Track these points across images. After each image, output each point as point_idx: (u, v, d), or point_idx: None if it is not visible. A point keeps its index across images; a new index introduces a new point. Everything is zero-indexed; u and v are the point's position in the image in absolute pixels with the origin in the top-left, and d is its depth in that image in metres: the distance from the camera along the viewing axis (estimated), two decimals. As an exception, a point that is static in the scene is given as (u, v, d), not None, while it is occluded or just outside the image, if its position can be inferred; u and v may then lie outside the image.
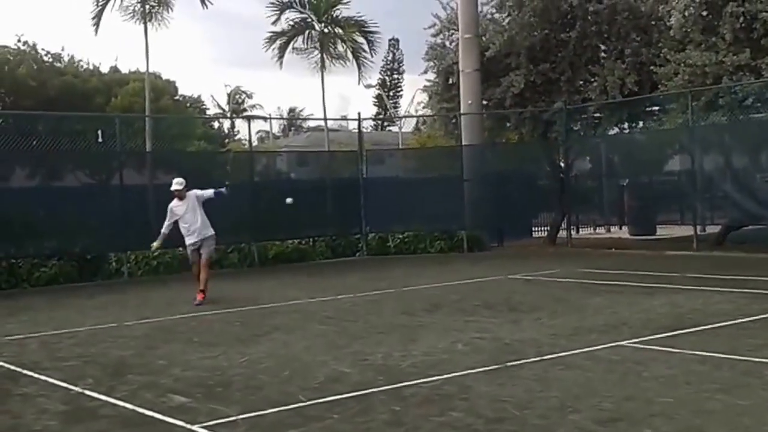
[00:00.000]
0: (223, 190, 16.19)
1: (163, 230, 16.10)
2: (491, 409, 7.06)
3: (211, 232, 16.03)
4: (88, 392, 8.45)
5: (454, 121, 27.87)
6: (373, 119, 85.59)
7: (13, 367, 9.96)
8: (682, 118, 22.31)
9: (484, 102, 26.79)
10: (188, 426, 7.02)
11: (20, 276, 19.60)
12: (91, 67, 40.91)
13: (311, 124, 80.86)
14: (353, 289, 16.65)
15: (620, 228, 30.22)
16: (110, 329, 12.79)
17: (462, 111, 26.28)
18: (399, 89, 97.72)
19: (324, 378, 8.51)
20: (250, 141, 24.75)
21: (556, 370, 8.42)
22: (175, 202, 15.97)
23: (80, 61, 40.85)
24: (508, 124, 28.18)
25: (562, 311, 12.39)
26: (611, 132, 26.15)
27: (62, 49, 44.89)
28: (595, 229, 31.23)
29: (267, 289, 17.72)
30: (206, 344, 10.97)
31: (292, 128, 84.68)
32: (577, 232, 28.95)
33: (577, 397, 7.35)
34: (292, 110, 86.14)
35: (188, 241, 16.04)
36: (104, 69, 41.84)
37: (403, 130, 59.59)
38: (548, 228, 28.32)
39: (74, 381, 8.95)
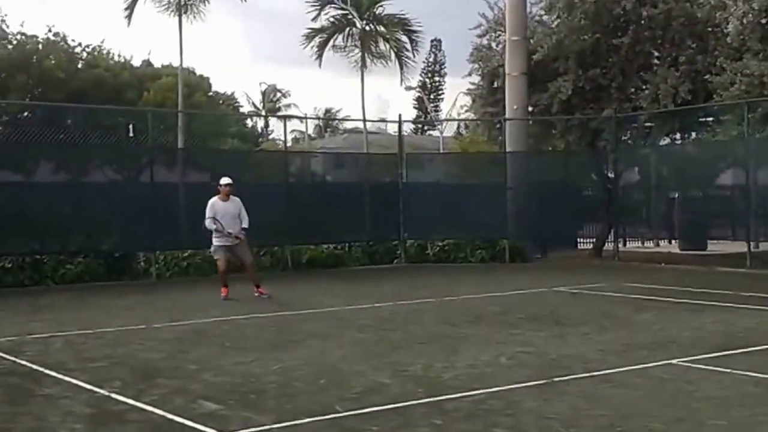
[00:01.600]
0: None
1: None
2: (537, 426, 6.95)
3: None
4: (114, 395, 8.41)
5: (498, 126, 27.79)
6: (414, 122, 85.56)
7: (36, 367, 9.96)
8: (737, 130, 22.10)
9: (530, 107, 26.68)
10: (220, 434, 6.98)
11: (45, 273, 19.77)
12: (122, 60, 41.06)
13: (348, 126, 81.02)
14: (392, 297, 16.59)
15: (669, 242, 30.00)
16: (138, 331, 12.79)
17: (507, 116, 26.16)
18: (440, 92, 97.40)
19: (361, 388, 8.44)
20: (285, 141, 24.80)
21: (605, 388, 8.30)
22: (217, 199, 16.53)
23: (112, 53, 41.02)
24: (554, 131, 28.05)
25: (610, 326, 12.27)
26: (662, 142, 25.93)
27: (102, 42, 44.95)
28: (643, 243, 31.04)
29: (301, 294, 17.72)
30: (239, 349, 10.93)
31: (329, 129, 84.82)
32: (624, 245, 28.77)
33: (626, 416, 7.23)
34: (328, 111, 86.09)
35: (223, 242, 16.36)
36: (136, 62, 41.97)
37: (444, 134, 59.46)
38: (594, 240, 28.15)
39: (100, 383, 8.92)
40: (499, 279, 20.27)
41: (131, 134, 22.01)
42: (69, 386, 8.93)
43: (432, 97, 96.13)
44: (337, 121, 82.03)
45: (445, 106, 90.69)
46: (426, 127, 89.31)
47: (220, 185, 16.73)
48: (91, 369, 9.84)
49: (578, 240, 29.59)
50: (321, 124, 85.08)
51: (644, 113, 24.91)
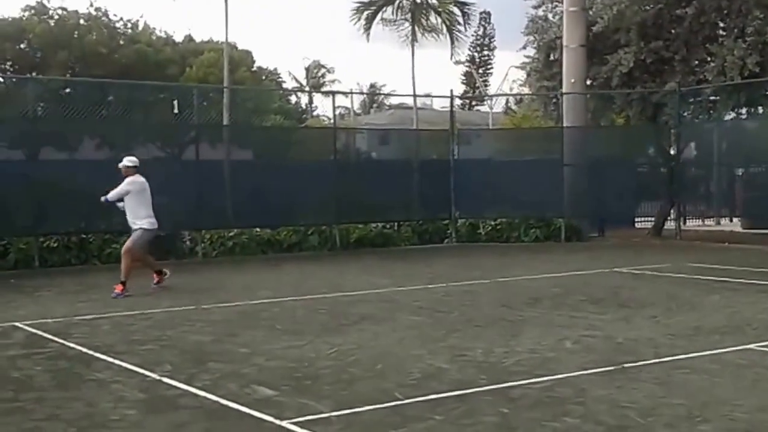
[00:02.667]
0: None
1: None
2: (611, 415, 6.78)
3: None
4: (166, 380, 8.36)
5: (555, 100, 27.49)
6: (467, 98, 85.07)
7: (85, 350, 9.94)
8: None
9: (588, 81, 26.32)
10: (276, 422, 6.86)
11: (90, 252, 19.84)
12: (164, 36, 41.17)
13: (393, 101, 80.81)
14: (444, 278, 16.45)
15: (730, 221, 29.58)
16: (187, 312, 12.75)
17: (564, 90, 25.86)
18: (489, 66, 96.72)
19: (420, 374, 8.31)
20: (334, 117, 24.58)
21: (679, 374, 8.11)
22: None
23: (154, 29, 41.15)
24: (613, 106, 27.62)
25: (677, 309, 12.04)
26: (728, 117, 25.42)
27: (140, 17, 45.12)
28: (703, 221, 30.62)
29: (351, 274, 17.62)
30: (290, 332, 10.84)
31: (374, 105, 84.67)
32: (684, 223, 28.33)
33: (704, 404, 7.06)
34: (372, 86, 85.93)
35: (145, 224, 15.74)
36: (178, 38, 42.09)
37: (493, 110, 59.12)
38: (653, 218, 27.81)
39: (151, 367, 8.88)
40: (555, 259, 20.06)
41: (176, 110, 21.97)
42: (120, 370, 8.89)
43: (481, 71, 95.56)
44: (383, 97, 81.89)
45: (494, 81, 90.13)
46: (474, 103, 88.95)
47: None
48: (140, 352, 9.80)
49: (636, 219, 29.22)
50: (367, 99, 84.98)
51: (710, 86, 24.41)
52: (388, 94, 78.20)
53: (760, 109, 25.10)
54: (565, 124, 25.66)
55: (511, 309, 12.38)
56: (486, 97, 70.66)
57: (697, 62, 24.85)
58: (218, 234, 21.70)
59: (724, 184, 27.04)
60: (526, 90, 30.81)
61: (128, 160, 15.66)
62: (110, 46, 36.71)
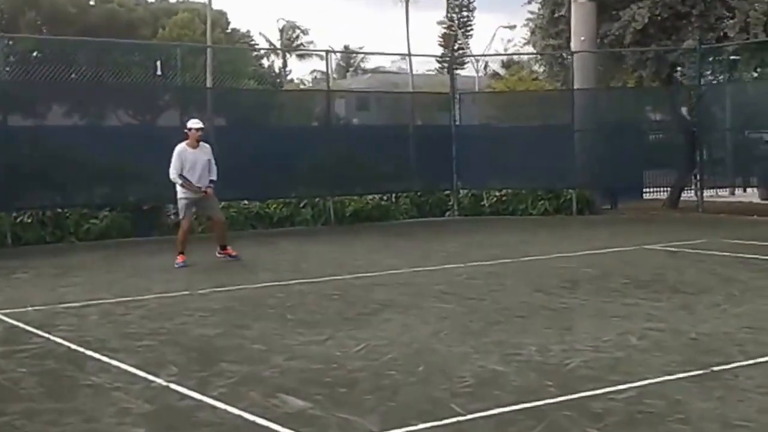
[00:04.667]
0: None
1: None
2: (727, 437, 5.87)
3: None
4: (174, 386, 7.38)
5: (561, 61, 26.50)
6: (479, 55, 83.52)
7: (74, 347, 8.94)
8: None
9: (598, 39, 25.29)
10: (319, 445, 5.92)
11: (67, 228, 18.87)
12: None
13: (369, 66, 79.70)
14: (460, 257, 15.54)
15: (744, 191, 28.82)
16: (183, 298, 11.82)
17: (573, 48, 24.86)
18: (469, 28, 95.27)
19: (473, 378, 7.36)
20: (328, 79, 23.49)
21: (785, 381, 7.16)
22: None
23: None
24: (624, 66, 26.59)
25: (740, 295, 11.04)
26: (751, 77, 24.35)
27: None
28: (716, 192, 29.75)
29: (355, 253, 16.67)
30: (305, 324, 9.88)
31: (350, 69, 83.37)
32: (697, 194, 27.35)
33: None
34: (346, 48, 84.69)
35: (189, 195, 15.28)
36: (150, -2, 41.26)
37: (479, 74, 58.05)
38: (664, 188, 26.95)
39: (154, 369, 7.91)
40: (574, 235, 19.21)
41: (159, 72, 20.89)
42: (118, 373, 7.90)
43: (460, 33, 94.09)
44: (360, 60, 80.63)
45: (475, 44, 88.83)
46: (455, 66, 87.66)
47: (190, 129, 15.32)
48: (139, 349, 8.82)
49: (644, 189, 28.36)
50: (343, 63, 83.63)
51: (732, 44, 23.42)
52: (384, 53, 76.94)
53: None
54: (575, 86, 24.62)
55: (549, 295, 11.44)
56: (482, 57, 69.16)
57: (716, 18, 23.76)
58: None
59: (747, 151, 26.11)
60: (530, 49, 29.59)
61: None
62: (80, 6, 35.71)
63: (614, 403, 6.59)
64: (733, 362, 7.63)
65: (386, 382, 7.34)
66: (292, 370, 7.84)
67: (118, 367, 8.09)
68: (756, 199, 27.26)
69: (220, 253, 15.59)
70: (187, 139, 15.29)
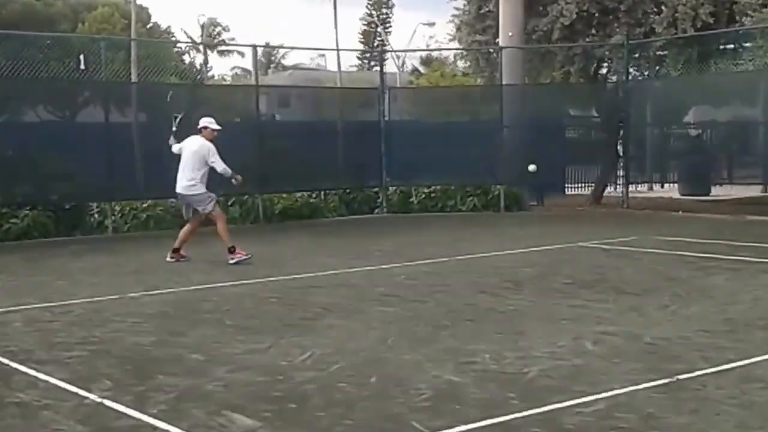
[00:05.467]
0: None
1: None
2: (707, 456, 5.47)
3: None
4: (109, 403, 6.82)
5: (488, 56, 26.13)
6: (410, 50, 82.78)
7: (-1, 358, 8.34)
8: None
9: (526, 35, 24.96)
10: (274, 470, 5.42)
11: (-16, 229, 18.03)
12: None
13: (288, 62, 79.07)
14: (396, 256, 15.09)
15: (662, 186, 28.77)
16: (113, 303, 11.18)
17: (501, 44, 24.52)
18: (388, 25, 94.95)
19: (431, 391, 6.89)
20: (256, 76, 22.89)
21: (756, 390, 6.73)
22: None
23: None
24: (552, 62, 26.30)
25: (687, 296, 10.69)
26: (677, 72, 24.08)
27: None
28: (635, 188, 29.63)
29: (287, 252, 16.10)
30: (245, 330, 9.35)
31: (272, 65, 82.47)
32: (616, 189, 27.12)
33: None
34: (267, 45, 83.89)
35: None
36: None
37: (400, 71, 57.65)
38: (591, 184, 26.77)
39: (86, 384, 7.33)
40: (506, 232, 18.90)
41: (82, 66, 20.11)
42: (47, 388, 7.30)
43: (380, 30, 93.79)
44: (281, 57, 79.89)
45: (394, 41, 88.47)
46: (373, 63, 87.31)
47: (205, 127, 14.91)
48: (68, 361, 8.21)
49: (565, 185, 28.14)
50: (263, 60, 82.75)
51: (660, 39, 23.19)
52: (314, 48, 76.28)
53: (715, 65, 23.59)
54: (503, 82, 24.26)
55: (494, 296, 11.04)
56: (407, 53, 68.79)
57: (643, 13, 23.51)
58: (130, 206, 20.07)
59: (672, 147, 26.05)
60: (456, 45, 29.15)
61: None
62: (-5, -1, 34.72)
63: (583, 417, 6.17)
64: (697, 370, 7.23)
65: (338, 396, 6.86)
66: (236, 383, 7.32)
67: (46, 382, 7.49)
68: (676, 195, 27.18)
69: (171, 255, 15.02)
70: (199, 134, 14.89)
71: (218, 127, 14.92)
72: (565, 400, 6.51)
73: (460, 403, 6.59)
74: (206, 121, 14.90)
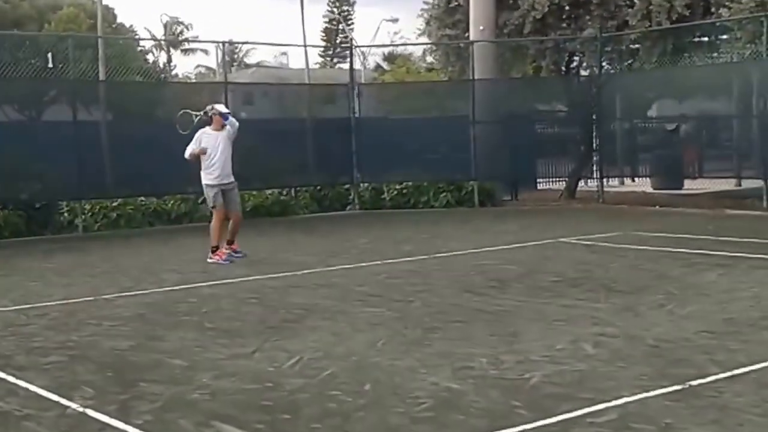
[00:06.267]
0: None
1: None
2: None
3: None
4: (92, 412, 6.42)
5: (458, 51, 25.72)
6: (380, 46, 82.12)
7: (-26, 365, 7.88)
8: (749, 50, 20.20)
9: (497, 29, 24.54)
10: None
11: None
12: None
13: (251, 60, 78.43)
14: (373, 253, 14.73)
15: (633, 180, 28.47)
16: (88, 305, 10.74)
17: (472, 38, 24.13)
18: (350, 22, 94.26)
19: (430, 399, 6.49)
20: (225, 72, 22.44)
21: (773, 395, 6.37)
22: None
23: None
24: (524, 56, 25.91)
25: (682, 294, 10.25)
26: (651, 65, 23.67)
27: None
28: (608, 181, 29.34)
29: (261, 250, 15.53)
30: (227, 333, 8.93)
31: (235, 63, 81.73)
32: (587, 183, 26.78)
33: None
34: (230, 43, 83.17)
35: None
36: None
37: (365, 68, 57.17)
38: (563, 179, 26.43)
39: (67, 392, 6.93)
40: (483, 228, 18.53)
41: (50, 64, 19.56)
42: (28, 396, 6.91)
43: (341, 27, 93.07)
44: (244, 54, 79.17)
45: (359, 37, 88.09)
46: (336, 60, 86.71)
47: (219, 113, 14.28)
48: (47, 367, 7.81)
49: (537, 179, 27.79)
50: (227, 58, 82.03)
51: (634, 32, 22.83)
52: (280, 44, 75.60)
53: (689, 57, 23.15)
54: (475, 77, 23.84)
55: (480, 296, 10.63)
56: (373, 48, 68.25)
57: (616, 6, 23.14)
58: (100, 204, 19.57)
59: (646, 140, 25.75)
60: (425, 39, 28.64)
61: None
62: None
63: (598, 428, 5.77)
64: (710, 375, 6.82)
65: (333, 406, 6.45)
66: (222, 390, 6.91)
67: (26, 389, 7.09)
68: (648, 189, 26.86)
69: (225, 248, 14.21)
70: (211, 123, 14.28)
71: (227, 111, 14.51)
72: (574, 410, 6.10)
73: (462, 412, 6.19)
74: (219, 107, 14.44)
